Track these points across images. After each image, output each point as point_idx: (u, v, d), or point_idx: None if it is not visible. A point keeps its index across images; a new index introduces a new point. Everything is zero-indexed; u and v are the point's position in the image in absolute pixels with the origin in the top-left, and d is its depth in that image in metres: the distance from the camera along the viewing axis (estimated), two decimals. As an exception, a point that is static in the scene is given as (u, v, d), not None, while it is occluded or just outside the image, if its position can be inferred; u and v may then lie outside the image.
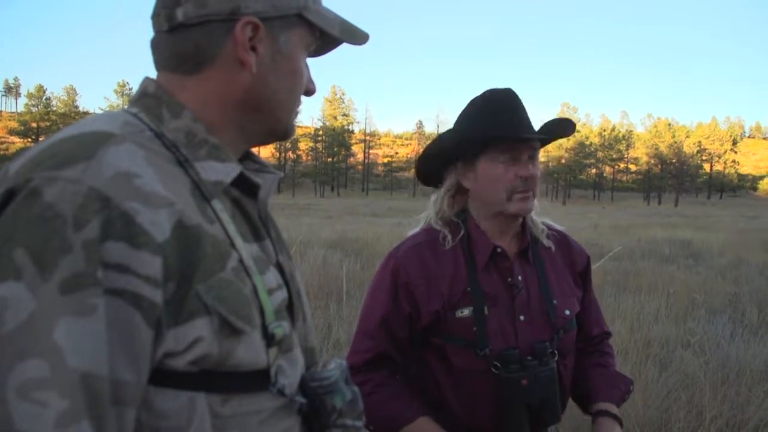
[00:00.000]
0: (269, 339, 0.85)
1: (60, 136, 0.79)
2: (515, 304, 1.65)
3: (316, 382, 0.93)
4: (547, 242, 1.76)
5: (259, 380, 0.85)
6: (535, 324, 1.65)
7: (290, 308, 0.95)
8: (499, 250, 1.67)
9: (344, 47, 1.07)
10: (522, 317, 1.64)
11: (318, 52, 1.06)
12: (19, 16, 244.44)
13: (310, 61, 1.04)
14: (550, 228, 1.80)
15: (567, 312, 1.71)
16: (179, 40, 0.90)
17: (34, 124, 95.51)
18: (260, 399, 0.85)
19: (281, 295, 0.92)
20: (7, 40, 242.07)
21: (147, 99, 0.90)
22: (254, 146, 1.01)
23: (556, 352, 1.64)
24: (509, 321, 1.63)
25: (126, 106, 0.93)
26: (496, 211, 1.66)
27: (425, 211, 1.80)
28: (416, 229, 1.79)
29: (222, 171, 0.88)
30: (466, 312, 1.60)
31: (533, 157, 1.65)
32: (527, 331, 1.63)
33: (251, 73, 0.91)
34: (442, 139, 1.77)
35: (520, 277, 1.68)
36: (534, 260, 1.72)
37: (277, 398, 0.87)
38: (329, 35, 0.99)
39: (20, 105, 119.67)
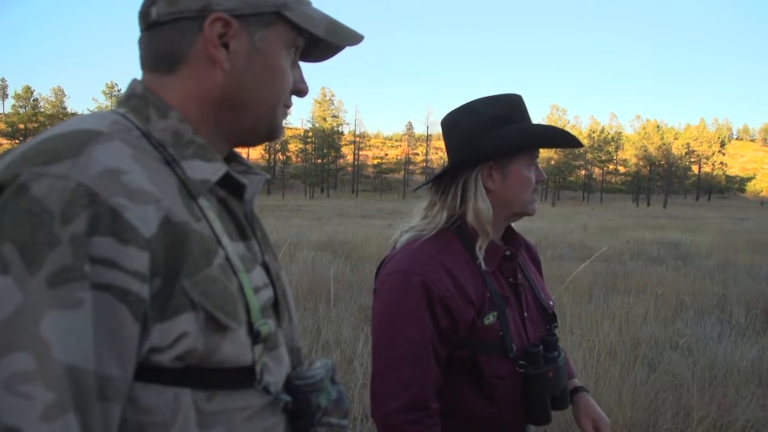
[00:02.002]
0: (255, 336, 0.85)
1: (48, 134, 0.79)
2: (521, 303, 1.69)
3: (302, 381, 0.94)
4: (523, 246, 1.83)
5: (244, 377, 0.85)
6: (535, 319, 1.71)
7: (276, 307, 0.96)
8: (508, 253, 1.69)
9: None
10: (526, 314, 1.69)
11: (317, 57, 1.06)
12: (9, 16, 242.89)
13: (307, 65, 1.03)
14: None
15: (551, 302, 1.79)
16: (155, 38, 0.91)
17: (21, 126, 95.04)
18: (245, 396, 0.85)
19: (267, 293, 0.92)
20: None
21: (134, 100, 0.91)
22: (238, 146, 1.01)
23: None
24: (519, 320, 1.67)
25: (114, 107, 0.93)
26: (516, 212, 1.69)
27: (424, 219, 1.70)
28: (406, 236, 1.69)
29: (208, 170, 0.89)
30: (492, 318, 1.59)
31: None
32: (532, 327, 1.69)
33: (223, 69, 0.91)
34: (479, 141, 1.65)
35: (519, 276, 1.72)
36: (518, 259, 1.76)
37: (263, 396, 0.88)
38: (316, 36, 0.98)
39: (7, 106, 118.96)
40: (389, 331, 1.56)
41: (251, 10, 0.91)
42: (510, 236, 1.76)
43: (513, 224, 1.79)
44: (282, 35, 0.95)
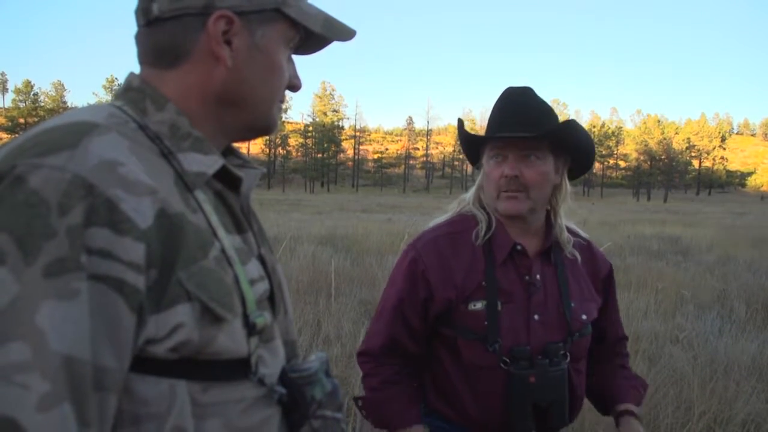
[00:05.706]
0: (250, 328, 0.86)
1: (45, 126, 0.80)
2: (531, 303, 1.63)
3: (296, 373, 0.95)
4: (569, 252, 1.73)
5: (239, 369, 0.86)
6: (549, 324, 1.63)
7: (272, 300, 0.96)
8: (519, 247, 1.66)
9: (335, 43, 1.07)
10: (536, 316, 1.63)
11: (307, 50, 1.07)
12: (7, 12, 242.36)
13: (300, 58, 1.04)
14: (575, 234, 1.78)
15: (584, 317, 1.69)
16: (156, 34, 0.91)
17: (21, 120, 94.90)
18: (240, 388, 0.86)
19: (263, 286, 0.93)
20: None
21: (131, 92, 0.91)
22: (236, 141, 1.02)
23: (568, 354, 1.63)
24: (522, 319, 1.62)
25: (111, 100, 0.93)
26: (493, 207, 1.69)
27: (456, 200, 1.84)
28: (440, 219, 1.80)
29: (205, 163, 0.89)
30: (479, 305, 1.59)
31: (526, 157, 1.60)
32: (540, 331, 1.62)
33: (225, 66, 0.91)
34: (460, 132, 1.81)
35: (538, 276, 1.66)
36: (555, 262, 1.70)
37: (258, 388, 0.88)
38: (311, 31, 0.99)
39: (8, 100, 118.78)
40: (385, 290, 1.78)
41: (252, 7, 0.92)
42: (546, 234, 1.72)
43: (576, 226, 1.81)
44: (281, 32, 0.96)
